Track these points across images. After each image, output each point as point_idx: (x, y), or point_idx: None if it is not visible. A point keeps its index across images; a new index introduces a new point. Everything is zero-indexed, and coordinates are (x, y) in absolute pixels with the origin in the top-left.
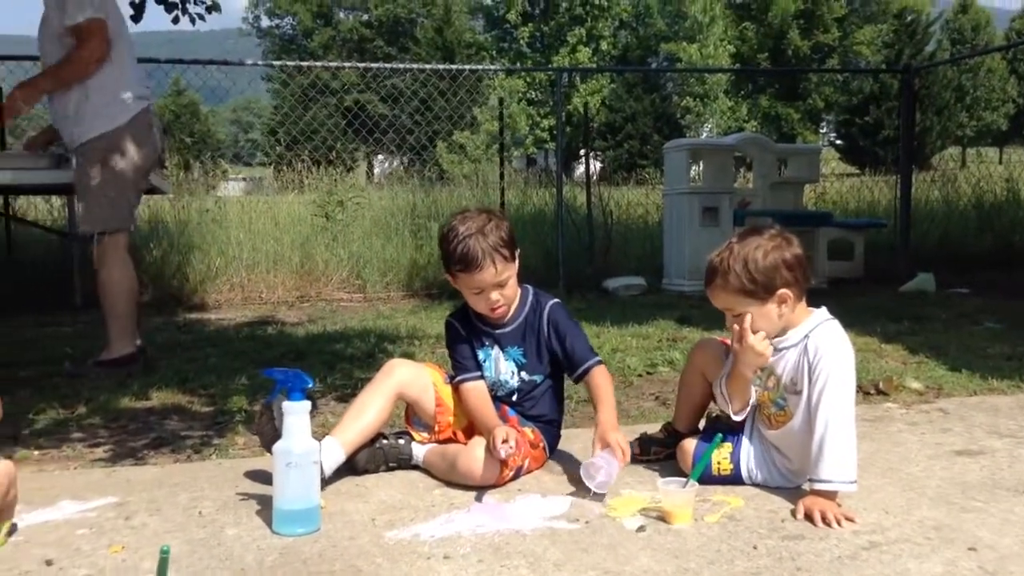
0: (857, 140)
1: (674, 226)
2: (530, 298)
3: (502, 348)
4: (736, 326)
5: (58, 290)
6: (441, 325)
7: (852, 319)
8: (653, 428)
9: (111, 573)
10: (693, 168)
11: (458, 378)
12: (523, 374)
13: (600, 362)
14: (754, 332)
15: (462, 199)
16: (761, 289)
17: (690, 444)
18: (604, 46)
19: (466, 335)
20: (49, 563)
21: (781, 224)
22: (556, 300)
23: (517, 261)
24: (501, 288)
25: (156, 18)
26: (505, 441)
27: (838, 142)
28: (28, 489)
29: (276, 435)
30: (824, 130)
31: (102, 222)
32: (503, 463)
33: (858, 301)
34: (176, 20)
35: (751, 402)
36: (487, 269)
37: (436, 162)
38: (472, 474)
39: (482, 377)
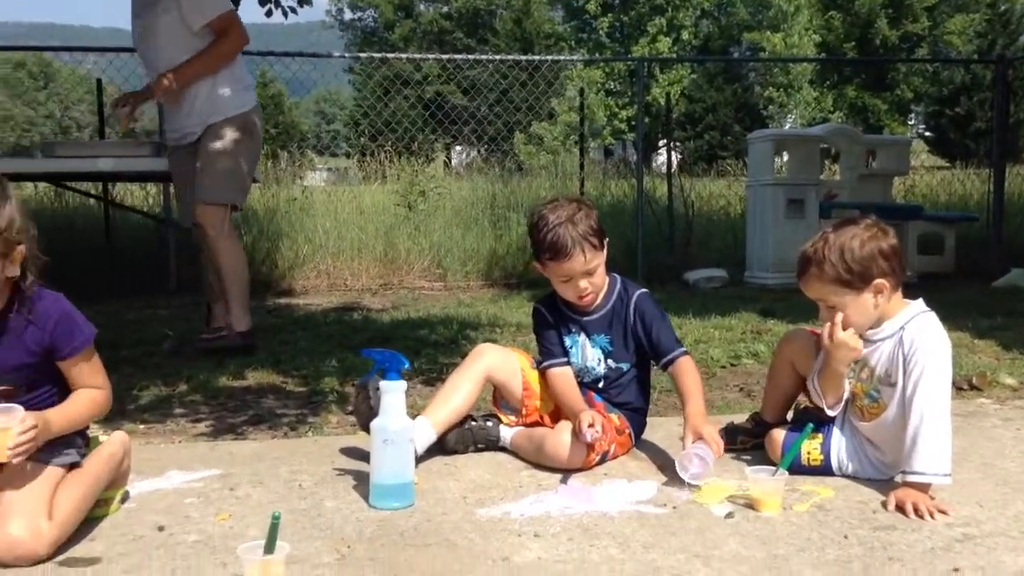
0: (947, 132)
1: (757, 218)
2: (618, 287)
3: (588, 335)
4: (828, 316)
5: (154, 274)
6: (520, 314)
7: (943, 314)
8: (738, 419)
9: (219, 539)
10: (778, 159)
11: (545, 363)
12: (609, 361)
13: (686, 353)
14: (849, 323)
15: (541, 190)
16: (857, 279)
17: (779, 434)
18: (685, 35)
19: (553, 322)
20: (161, 529)
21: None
22: (644, 290)
23: (605, 250)
24: (590, 276)
25: (245, 10)
26: (591, 425)
27: (927, 134)
28: (138, 460)
29: (371, 414)
30: (912, 122)
31: (225, 193)
32: (589, 447)
33: (949, 296)
34: (269, 13)
35: (844, 395)
36: (576, 257)
37: (514, 153)
38: (559, 457)
39: (568, 363)
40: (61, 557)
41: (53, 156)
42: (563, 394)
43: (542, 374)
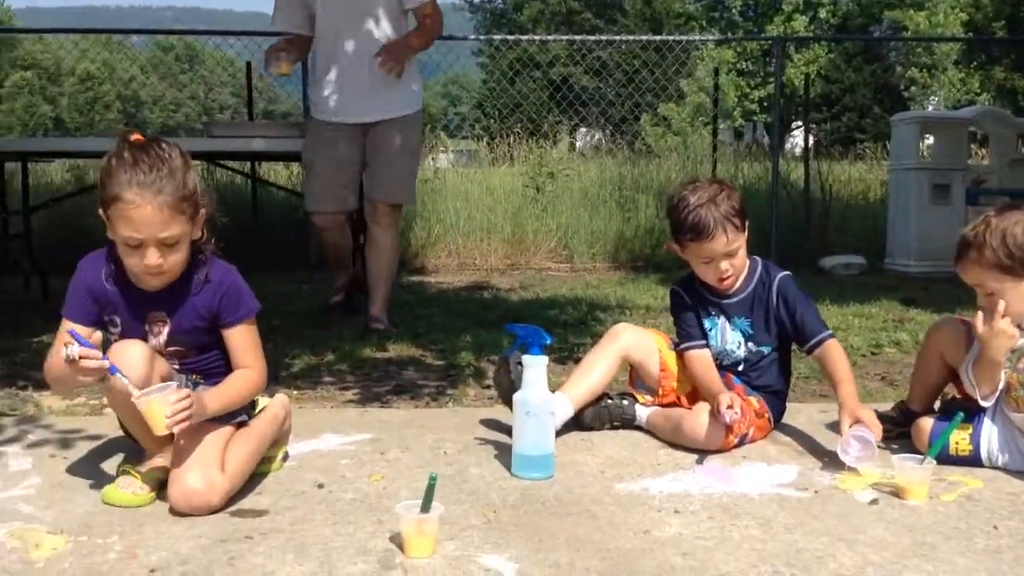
0: None
1: (900, 204)
2: (759, 269)
3: (729, 318)
4: (984, 307)
5: (295, 250)
6: (648, 297)
7: None
8: (882, 407)
9: (374, 498)
10: (922, 142)
11: (683, 346)
12: (750, 344)
13: (832, 336)
14: (1009, 310)
15: (671, 172)
16: (1018, 265)
17: (927, 423)
18: (822, 14)
19: (691, 304)
20: (320, 486)
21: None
22: (786, 272)
23: (746, 232)
24: (731, 258)
25: None
26: (730, 407)
27: None
28: (294, 423)
29: (511, 387)
30: None
31: (407, 194)
32: (728, 429)
33: None
34: None
35: (1000, 385)
36: (718, 238)
37: (640, 135)
38: (697, 437)
39: (707, 346)
40: (232, 508)
41: (212, 136)
42: (701, 376)
43: (680, 356)
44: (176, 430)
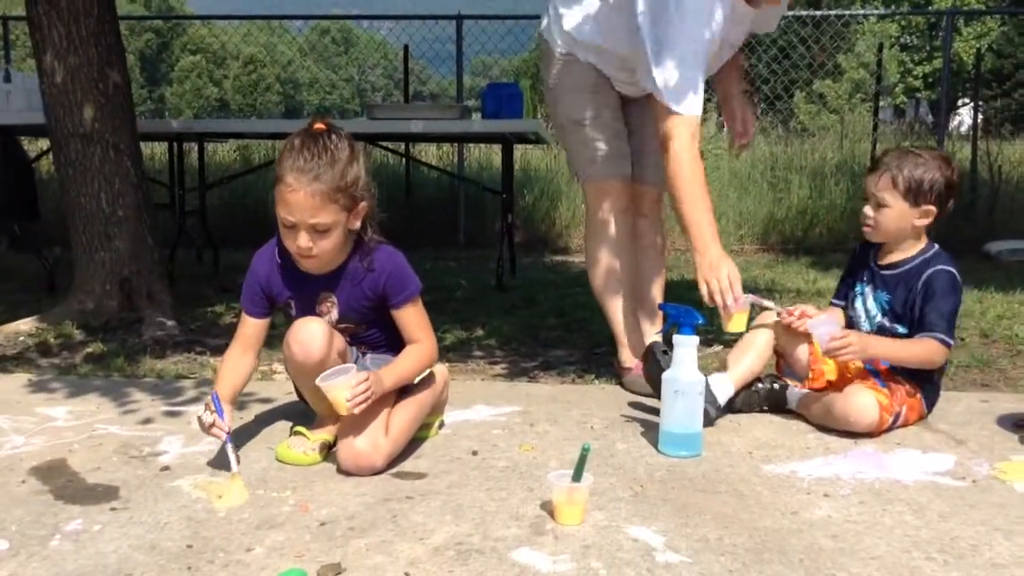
0: None
1: None
2: (927, 255)
3: (875, 288)
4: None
5: (446, 228)
6: (799, 280)
7: None
8: None
9: (525, 467)
10: None
11: (832, 301)
12: (885, 320)
13: (942, 340)
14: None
15: (826, 151)
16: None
17: None
18: None
19: (857, 263)
20: (475, 453)
21: None
22: (948, 268)
23: (923, 216)
24: (877, 209)
25: None
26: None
27: None
28: (449, 393)
29: (659, 376)
30: None
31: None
32: (883, 410)
33: None
34: None
35: None
36: (874, 176)
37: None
38: (848, 418)
39: (843, 307)
40: (394, 470)
41: (373, 118)
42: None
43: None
44: (357, 411)
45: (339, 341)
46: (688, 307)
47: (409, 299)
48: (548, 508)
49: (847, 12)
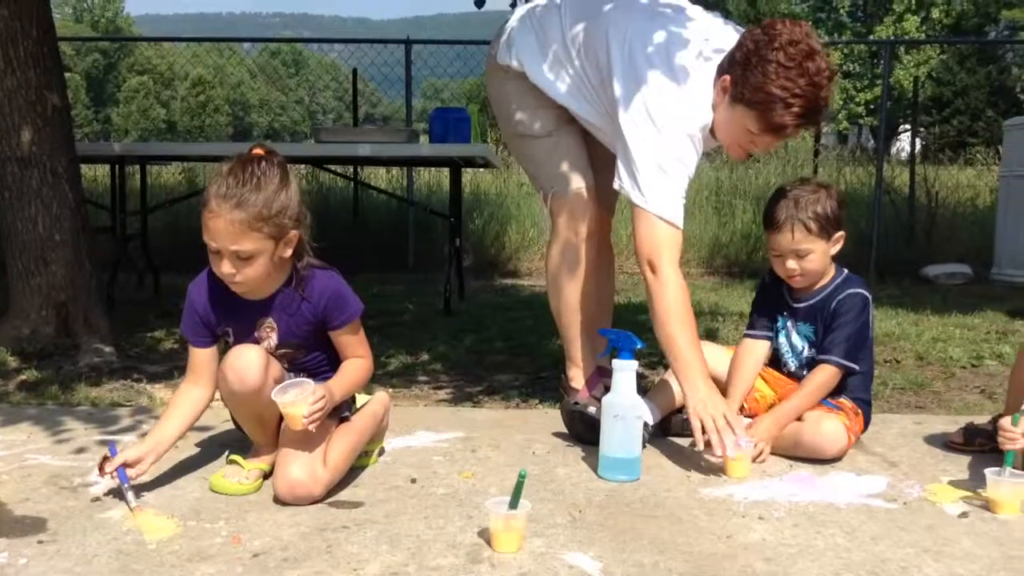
0: None
1: (1010, 211)
2: (837, 281)
3: (796, 322)
4: None
5: (394, 252)
6: (742, 303)
7: None
8: (979, 420)
9: (464, 494)
10: None
11: (746, 331)
12: (813, 352)
13: (838, 365)
14: None
15: (770, 176)
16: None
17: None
18: (935, 14)
19: (772, 295)
20: (413, 481)
21: None
22: (859, 291)
23: (833, 243)
24: (799, 258)
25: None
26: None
27: None
28: (389, 420)
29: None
30: None
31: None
32: (848, 432)
33: None
34: (513, 4)
35: None
36: (784, 234)
37: None
38: (821, 448)
39: (767, 339)
40: (331, 499)
41: (321, 141)
42: (738, 365)
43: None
44: (312, 428)
45: (276, 368)
46: (627, 332)
47: (349, 321)
48: (485, 536)
49: None
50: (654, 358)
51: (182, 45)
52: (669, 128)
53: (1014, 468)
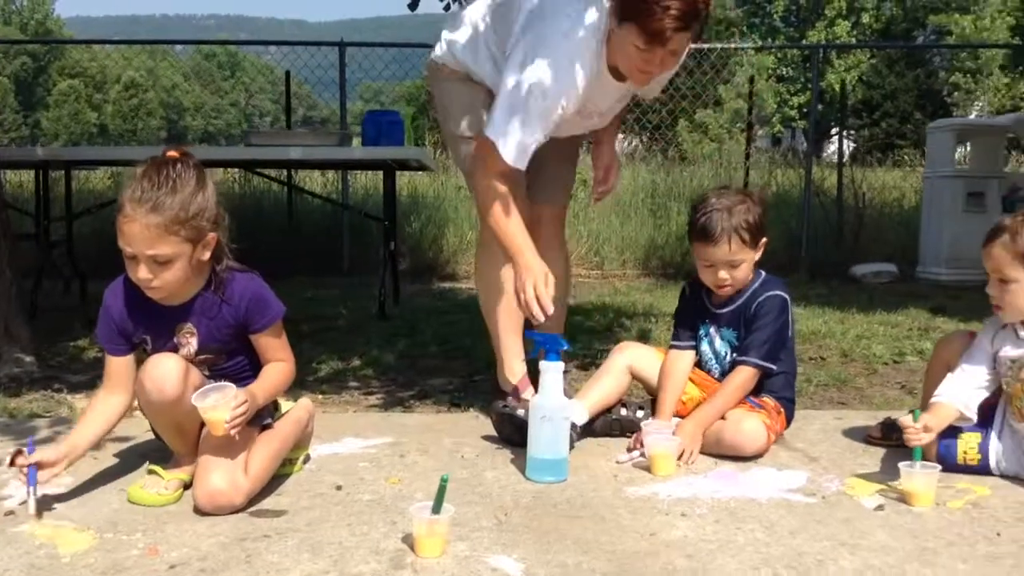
0: None
1: (934, 211)
2: (755, 285)
3: (719, 328)
4: (995, 292)
5: (329, 256)
6: (676, 304)
7: None
8: (897, 415)
9: (390, 500)
10: (959, 150)
11: (671, 343)
12: (736, 356)
13: (756, 367)
14: (1015, 302)
15: (704, 179)
16: None
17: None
18: (865, 19)
19: (692, 304)
20: (339, 488)
21: None
22: (779, 293)
23: (759, 250)
24: (732, 268)
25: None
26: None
27: None
28: (317, 426)
29: (518, 435)
30: None
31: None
32: (768, 430)
33: None
34: (447, 7)
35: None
36: (722, 246)
37: (677, 142)
38: (741, 446)
39: (692, 348)
40: (253, 508)
41: (250, 144)
42: (667, 377)
43: (667, 351)
44: (234, 432)
45: (195, 376)
46: (554, 334)
47: (270, 324)
48: (409, 541)
49: (720, 45)
50: (587, 359)
51: (114, 48)
52: (540, 78)
53: (925, 460)
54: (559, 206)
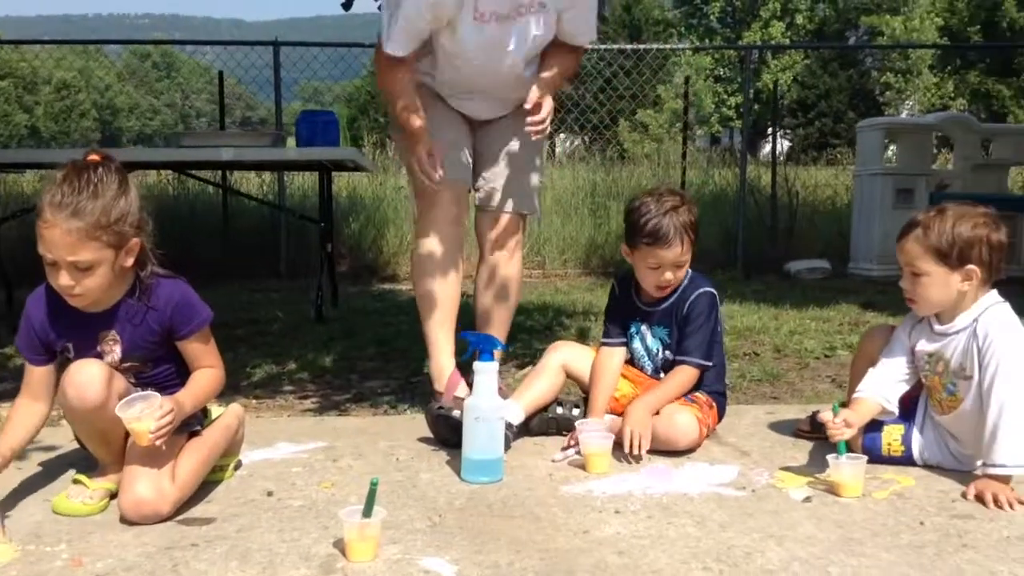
0: None
1: (864, 208)
2: (686, 282)
3: (650, 326)
4: (908, 285)
5: (266, 259)
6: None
7: None
8: (826, 408)
9: (322, 505)
10: (889, 148)
11: (602, 341)
12: (667, 353)
13: (698, 365)
14: (927, 295)
15: (643, 179)
16: (955, 256)
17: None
18: (799, 20)
19: (623, 302)
20: (270, 494)
21: None
22: (709, 290)
23: (694, 248)
24: (678, 269)
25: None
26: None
27: None
28: (250, 432)
29: (453, 436)
30: None
31: (535, 202)
32: (700, 424)
33: None
34: (348, 6)
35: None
36: (674, 247)
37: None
38: (674, 440)
39: (623, 345)
40: (181, 516)
41: (179, 146)
42: (599, 374)
43: (598, 349)
44: (159, 442)
45: (120, 383)
46: (487, 334)
47: (197, 330)
48: (340, 546)
49: (655, 46)
50: (527, 359)
51: (44, 48)
52: None
53: (850, 451)
54: (515, 214)
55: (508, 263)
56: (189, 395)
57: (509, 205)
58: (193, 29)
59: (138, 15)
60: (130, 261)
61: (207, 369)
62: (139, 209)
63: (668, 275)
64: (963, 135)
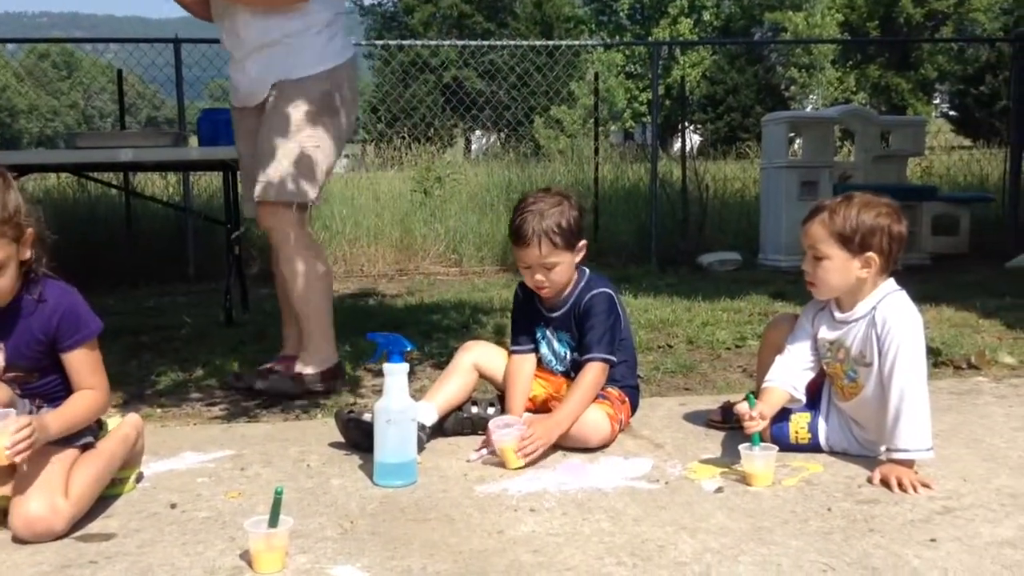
0: (972, 111)
1: (771, 200)
2: (581, 285)
3: (554, 330)
4: (809, 268)
5: (173, 262)
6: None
7: (953, 295)
8: (736, 399)
9: (229, 516)
10: (795, 142)
11: (511, 348)
12: (575, 355)
13: (602, 360)
14: (826, 277)
15: (556, 175)
16: (857, 242)
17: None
18: (706, 16)
19: (526, 308)
20: (173, 506)
21: None
22: (604, 290)
23: (577, 252)
24: (547, 271)
25: None
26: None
27: (952, 113)
28: (154, 442)
29: (363, 440)
30: (937, 101)
31: (296, 192)
32: (612, 420)
33: (961, 277)
34: None
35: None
36: (532, 248)
37: (532, 138)
38: (586, 438)
39: (533, 351)
40: (78, 533)
41: (75, 147)
42: (512, 381)
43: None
44: (18, 460)
45: (3, 392)
46: (396, 335)
47: (83, 342)
48: (247, 558)
49: (565, 43)
50: (443, 358)
51: None
52: None
53: (762, 442)
54: (278, 202)
55: (279, 257)
56: (58, 416)
57: (257, 193)
58: (94, 28)
59: (36, 13)
60: (28, 253)
61: (87, 391)
62: (25, 200)
63: (539, 276)
64: (863, 128)
